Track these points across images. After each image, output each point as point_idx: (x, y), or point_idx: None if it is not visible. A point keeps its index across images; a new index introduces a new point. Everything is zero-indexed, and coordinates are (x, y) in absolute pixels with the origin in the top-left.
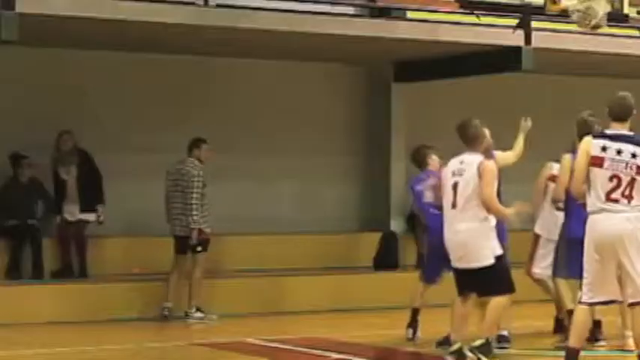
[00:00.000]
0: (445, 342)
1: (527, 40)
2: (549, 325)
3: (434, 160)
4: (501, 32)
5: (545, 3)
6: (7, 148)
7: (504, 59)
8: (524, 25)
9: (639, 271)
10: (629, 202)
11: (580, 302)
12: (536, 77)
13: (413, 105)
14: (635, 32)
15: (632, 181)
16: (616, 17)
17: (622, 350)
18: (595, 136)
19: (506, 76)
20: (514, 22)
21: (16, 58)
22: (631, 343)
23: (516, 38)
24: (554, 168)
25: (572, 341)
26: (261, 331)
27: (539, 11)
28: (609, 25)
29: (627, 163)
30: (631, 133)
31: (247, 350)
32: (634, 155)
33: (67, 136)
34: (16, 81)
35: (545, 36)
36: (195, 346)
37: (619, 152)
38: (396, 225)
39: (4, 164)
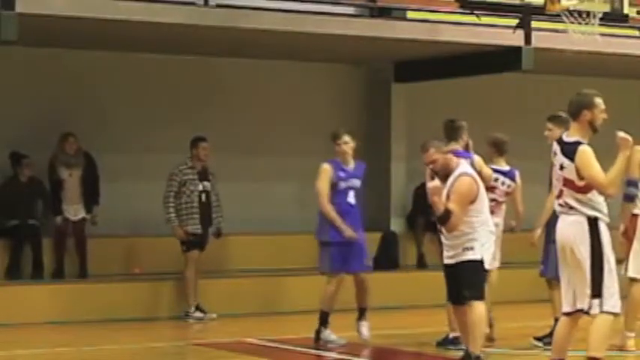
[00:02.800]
0: (445, 342)
1: (527, 40)
2: (547, 325)
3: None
4: (501, 32)
5: (545, 3)
6: (6, 148)
7: (504, 59)
8: (524, 25)
9: (587, 277)
10: (569, 209)
11: (562, 313)
12: (536, 77)
13: (413, 105)
14: (635, 32)
15: (561, 192)
16: (616, 17)
17: (621, 350)
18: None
19: (506, 76)
20: (514, 22)
21: (16, 58)
22: (631, 343)
23: (516, 38)
24: None
25: (552, 354)
26: (261, 331)
27: (539, 11)
28: (609, 25)
29: (557, 174)
30: (571, 140)
31: (247, 350)
32: (561, 167)
33: (73, 139)
34: (16, 81)
35: (545, 36)
36: (195, 346)
37: (557, 162)
38: (396, 225)
39: (4, 164)
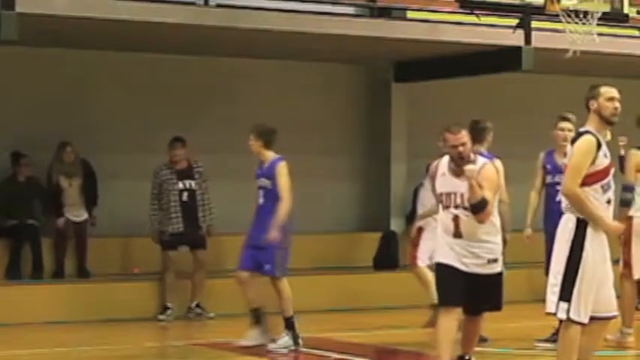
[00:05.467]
0: None
1: (527, 40)
2: (548, 325)
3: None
4: (501, 32)
5: (545, 3)
6: (6, 148)
7: (504, 59)
8: (524, 25)
9: (559, 280)
10: (565, 206)
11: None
12: (536, 77)
13: (413, 105)
14: (635, 32)
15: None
16: (616, 17)
17: (619, 349)
18: None
19: (506, 76)
20: (514, 22)
21: (16, 58)
22: (631, 340)
23: (516, 38)
24: None
25: None
26: None
27: (539, 11)
28: (609, 25)
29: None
30: (582, 130)
31: (247, 350)
32: (565, 155)
33: (70, 148)
34: (17, 81)
35: (545, 36)
36: (194, 346)
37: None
38: (396, 225)
39: (4, 163)
